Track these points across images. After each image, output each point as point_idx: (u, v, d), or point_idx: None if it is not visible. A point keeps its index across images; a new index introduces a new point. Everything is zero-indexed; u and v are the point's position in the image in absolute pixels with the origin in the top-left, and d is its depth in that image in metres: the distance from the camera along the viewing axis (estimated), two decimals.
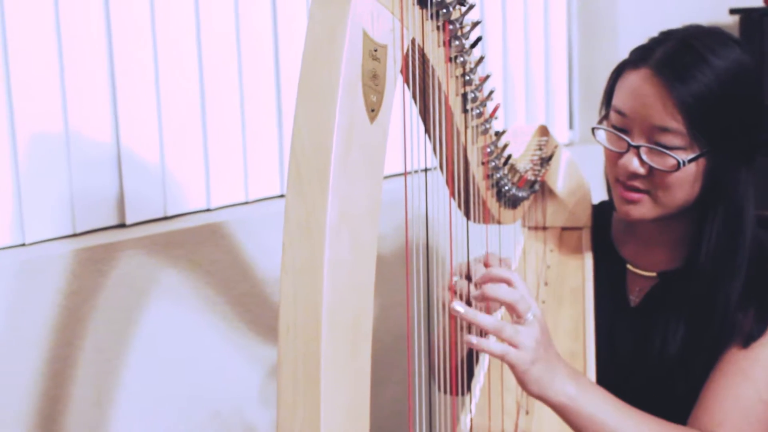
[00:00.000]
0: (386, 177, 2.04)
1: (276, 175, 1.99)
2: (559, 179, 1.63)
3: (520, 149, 1.47)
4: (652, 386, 1.41)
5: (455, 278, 1.29)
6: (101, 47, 1.69)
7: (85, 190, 1.72)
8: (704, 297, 1.38)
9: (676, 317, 1.41)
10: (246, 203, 1.95)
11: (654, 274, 1.48)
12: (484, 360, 1.50)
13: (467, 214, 1.27)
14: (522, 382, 1.18)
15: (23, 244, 1.65)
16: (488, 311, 1.24)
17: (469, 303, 1.22)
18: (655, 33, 2.61)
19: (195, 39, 1.82)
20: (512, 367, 1.16)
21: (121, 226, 1.78)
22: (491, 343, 1.14)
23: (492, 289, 1.14)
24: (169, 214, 1.83)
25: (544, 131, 1.59)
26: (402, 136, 1.00)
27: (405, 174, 1.02)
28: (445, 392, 1.43)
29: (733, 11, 3.04)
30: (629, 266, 1.51)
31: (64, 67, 1.64)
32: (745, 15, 3.02)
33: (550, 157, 1.55)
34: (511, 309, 1.15)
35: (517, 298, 1.14)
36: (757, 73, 1.41)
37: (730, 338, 1.35)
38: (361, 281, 0.89)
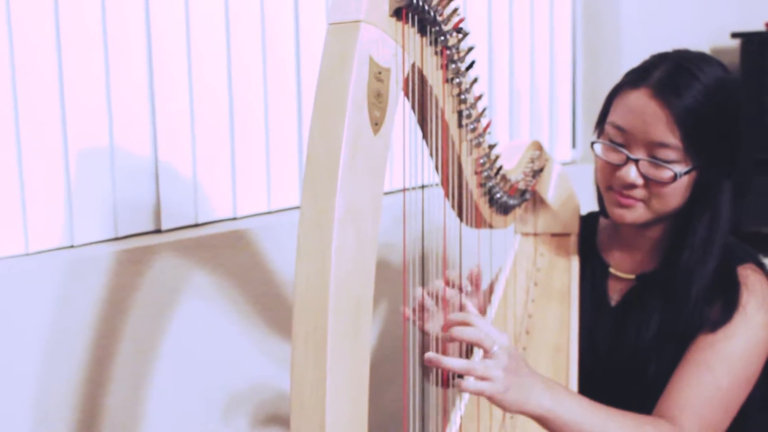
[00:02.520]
0: (390, 192, 2.10)
1: (295, 188, 2.02)
2: (550, 190, 1.68)
3: (513, 162, 1.51)
4: (627, 373, 1.45)
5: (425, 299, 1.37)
6: (142, 73, 1.73)
7: (126, 198, 1.76)
8: (677, 292, 1.43)
9: (650, 311, 1.46)
10: (268, 213, 1.98)
11: (633, 276, 1.53)
12: (474, 358, 1.53)
13: (461, 217, 1.32)
14: (501, 407, 1.21)
15: (72, 246, 1.69)
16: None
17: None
18: None
19: (225, 66, 1.86)
20: (489, 399, 1.19)
21: (157, 231, 1.81)
22: (469, 384, 1.16)
23: (458, 332, 1.17)
24: (200, 221, 1.87)
25: (537, 146, 1.64)
26: (403, 154, 1.09)
27: (404, 190, 1.11)
28: (439, 385, 1.51)
29: (734, 35, 3.00)
30: (611, 269, 1.56)
31: (110, 90, 1.69)
32: (747, 39, 2.99)
33: (541, 170, 1.60)
34: (478, 346, 1.18)
35: (481, 336, 1.17)
36: (738, 88, 1.47)
37: (699, 327, 1.39)
38: (363, 269, 0.96)
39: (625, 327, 1.48)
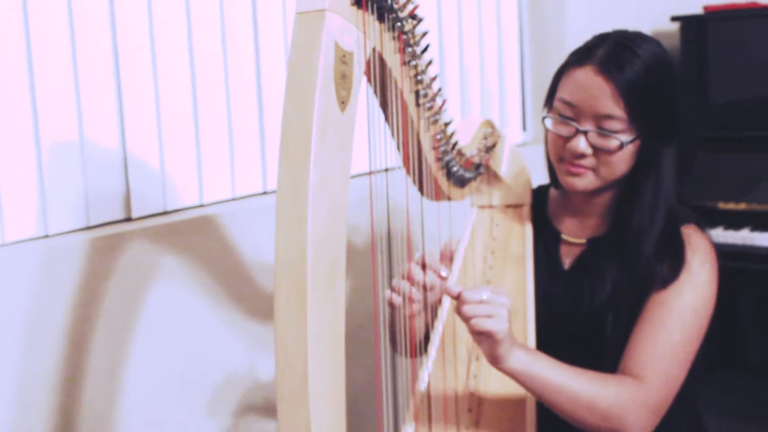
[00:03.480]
0: (355, 176, 2.21)
1: (258, 175, 2.11)
2: (503, 165, 1.79)
3: (468, 138, 1.62)
4: (585, 333, 1.56)
5: (395, 280, 1.48)
6: (109, 69, 1.82)
7: (97, 189, 1.83)
8: (629, 253, 1.54)
9: (603, 273, 1.56)
10: (233, 199, 2.07)
11: (583, 240, 1.64)
12: (438, 326, 1.64)
13: (422, 191, 1.43)
14: (491, 356, 1.34)
15: (47, 236, 1.76)
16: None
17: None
18: None
19: (188, 60, 1.95)
20: (490, 339, 1.32)
21: (128, 219, 1.89)
22: (483, 321, 1.31)
23: (474, 311, 1.32)
24: (168, 209, 1.95)
25: (489, 124, 1.74)
26: (368, 139, 1.21)
27: (370, 173, 1.23)
28: (406, 356, 1.62)
29: (674, 18, 3.09)
30: (563, 236, 1.67)
31: (78, 85, 1.77)
32: (685, 22, 3.07)
33: (493, 146, 1.72)
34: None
35: (493, 311, 1.31)
36: (672, 63, 1.58)
37: (651, 286, 1.51)
38: (336, 232, 1.07)
39: (580, 289, 1.59)
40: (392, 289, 1.51)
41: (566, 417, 1.44)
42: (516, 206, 1.81)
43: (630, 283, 1.54)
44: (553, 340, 1.54)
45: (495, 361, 1.36)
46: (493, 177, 1.80)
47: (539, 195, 1.80)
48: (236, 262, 1.99)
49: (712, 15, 3.08)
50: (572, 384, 1.40)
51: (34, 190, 1.74)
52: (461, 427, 1.48)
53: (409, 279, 1.49)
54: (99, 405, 1.80)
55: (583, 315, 1.57)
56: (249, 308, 2.01)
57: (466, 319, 1.32)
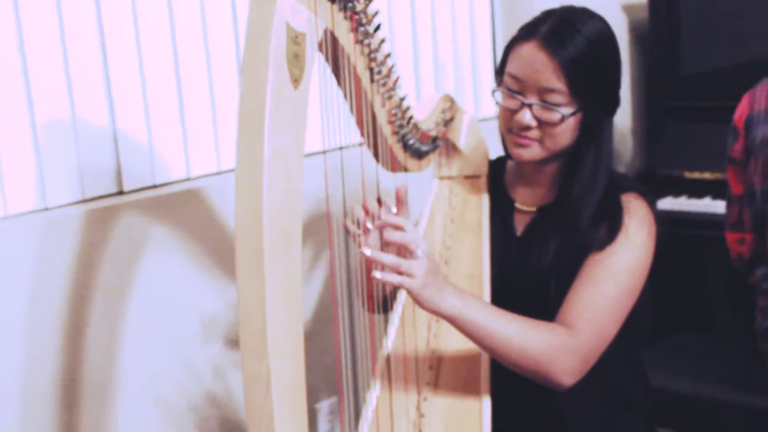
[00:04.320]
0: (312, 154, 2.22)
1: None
2: (462, 137, 1.80)
3: (426, 112, 1.63)
4: (532, 293, 1.56)
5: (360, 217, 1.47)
6: (96, 51, 1.85)
7: (90, 164, 1.87)
8: (570, 219, 1.55)
9: (549, 238, 1.57)
10: (218, 173, 2.09)
11: (534, 209, 1.65)
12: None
13: (380, 162, 1.45)
14: (418, 303, 1.34)
15: (46, 208, 1.81)
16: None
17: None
18: None
19: (170, 40, 1.98)
20: (408, 292, 1.32)
21: (120, 193, 1.93)
22: (392, 276, 1.30)
23: (389, 234, 1.31)
24: (157, 182, 1.98)
25: (447, 99, 1.74)
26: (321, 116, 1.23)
27: (324, 152, 1.26)
28: (370, 311, 1.65)
29: None
30: (516, 204, 1.68)
31: (68, 68, 1.81)
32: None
33: (451, 119, 1.73)
34: (405, 248, 1.31)
35: (408, 239, 1.29)
36: (615, 40, 1.58)
37: (590, 247, 1.51)
38: (291, 200, 1.09)
39: (529, 253, 1.60)
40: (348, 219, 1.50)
41: (501, 360, 1.45)
42: (474, 177, 1.82)
43: (571, 247, 1.55)
44: (505, 300, 1.53)
45: (423, 307, 1.36)
46: (452, 149, 1.81)
47: (498, 166, 1.80)
48: (220, 231, 2.02)
49: None
50: (504, 329, 1.41)
51: (32, 167, 1.79)
52: (422, 382, 1.52)
53: (364, 208, 1.49)
54: (98, 361, 1.85)
55: (530, 277, 1.59)
56: (232, 273, 2.01)
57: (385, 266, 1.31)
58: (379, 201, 1.49)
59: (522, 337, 1.42)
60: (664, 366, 2.29)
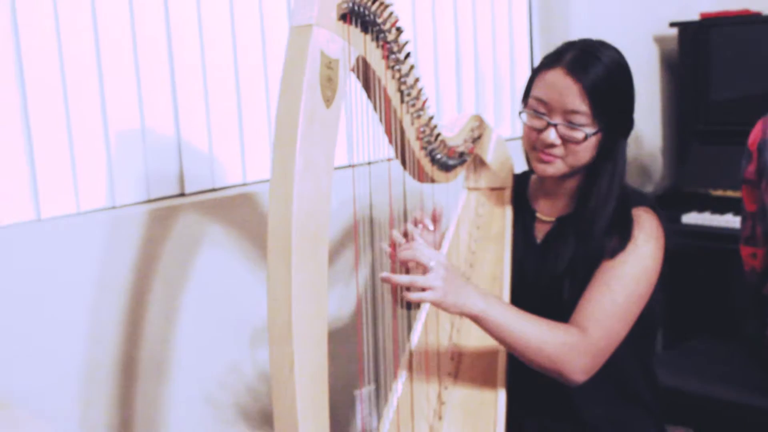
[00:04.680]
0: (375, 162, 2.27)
1: None
2: (489, 153, 1.84)
3: (456, 130, 1.68)
4: (549, 295, 1.60)
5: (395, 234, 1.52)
6: (165, 67, 1.91)
7: (156, 169, 1.92)
8: (585, 229, 1.59)
9: (565, 246, 1.61)
10: None
11: (553, 219, 1.69)
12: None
13: (406, 169, 1.50)
14: (444, 309, 1.39)
15: (114, 207, 1.86)
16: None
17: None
18: None
19: (232, 59, 2.03)
20: (432, 304, 1.37)
21: (181, 195, 1.97)
22: (414, 294, 1.35)
23: (403, 254, 1.38)
24: (216, 186, 2.03)
25: (477, 119, 1.79)
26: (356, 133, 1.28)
27: (354, 165, 1.31)
28: (402, 307, 1.70)
29: (672, 24, 3.06)
30: (537, 215, 1.72)
31: (140, 82, 1.87)
32: (683, 28, 3.05)
33: (479, 137, 1.77)
34: (417, 263, 1.37)
35: (416, 255, 1.36)
36: (628, 69, 1.63)
37: (602, 255, 1.55)
38: (319, 209, 1.14)
39: (546, 259, 1.64)
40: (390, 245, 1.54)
41: (519, 356, 1.48)
42: (499, 189, 1.86)
43: (585, 255, 1.58)
44: (523, 301, 1.57)
45: (449, 312, 1.40)
46: (480, 163, 1.85)
47: (522, 179, 1.84)
48: None
49: (707, 21, 3.04)
50: (524, 328, 1.45)
51: (104, 169, 1.84)
52: (444, 373, 1.56)
53: (405, 235, 1.54)
54: (154, 343, 1.90)
55: (547, 281, 1.62)
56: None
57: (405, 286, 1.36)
58: (415, 222, 1.55)
59: (540, 336, 1.46)
60: (686, 369, 2.30)
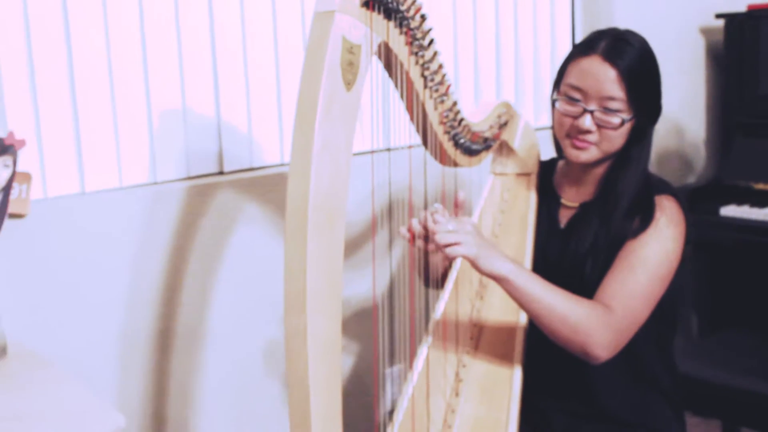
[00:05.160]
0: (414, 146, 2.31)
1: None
2: (516, 139, 1.87)
3: (482, 116, 1.72)
4: (571, 275, 1.62)
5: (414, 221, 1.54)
6: (207, 52, 1.97)
7: (196, 148, 1.99)
8: (608, 209, 1.62)
9: (588, 229, 1.64)
10: None
11: (577, 204, 1.72)
12: (455, 265, 1.77)
13: (435, 157, 1.55)
14: (474, 265, 1.42)
15: (156, 183, 1.93)
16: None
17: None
18: (647, 36, 2.68)
19: (273, 47, 2.09)
20: (465, 257, 1.41)
21: (220, 173, 2.04)
22: (449, 249, 1.40)
23: (432, 226, 1.43)
24: (254, 165, 2.09)
25: (505, 105, 1.82)
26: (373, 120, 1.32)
27: (371, 151, 1.36)
28: (427, 287, 1.74)
29: (719, 16, 3.01)
30: (562, 201, 1.75)
31: (182, 66, 1.93)
32: (729, 19, 3.01)
33: (506, 123, 1.80)
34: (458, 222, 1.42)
35: (445, 221, 1.42)
36: (654, 55, 1.65)
37: (624, 236, 1.58)
38: (337, 187, 1.18)
39: (569, 243, 1.68)
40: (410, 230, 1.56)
41: (543, 326, 1.50)
42: (525, 174, 1.89)
43: (607, 236, 1.61)
44: (545, 277, 1.57)
45: (479, 269, 1.43)
46: (507, 149, 1.88)
47: (548, 166, 1.87)
48: None
49: (755, 13, 2.98)
50: (550, 297, 1.47)
51: (147, 147, 1.92)
52: (462, 351, 1.61)
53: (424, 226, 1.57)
54: (190, 313, 1.98)
55: (569, 262, 1.65)
56: None
57: (441, 248, 1.41)
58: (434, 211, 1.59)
59: (565, 306, 1.49)
60: (715, 359, 2.32)
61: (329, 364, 1.22)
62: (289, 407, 1.20)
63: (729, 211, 2.79)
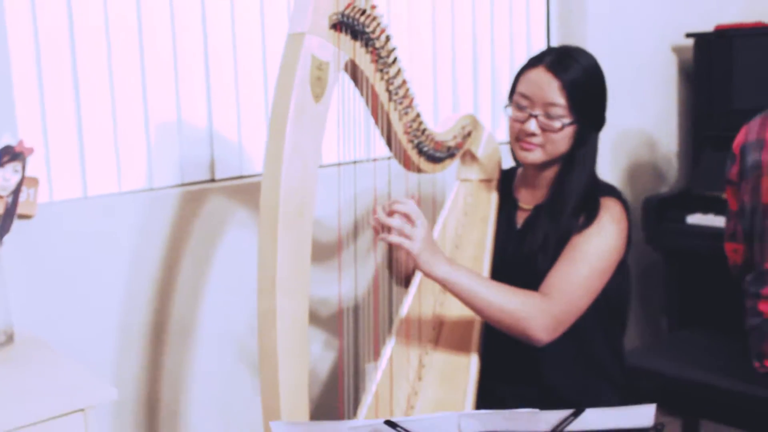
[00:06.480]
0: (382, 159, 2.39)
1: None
2: (480, 148, 2.03)
3: (447, 127, 1.87)
4: (525, 271, 1.75)
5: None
6: (200, 67, 2.12)
7: (190, 156, 2.12)
8: (557, 208, 1.76)
9: (539, 228, 1.78)
10: None
11: (532, 206, 1.87)
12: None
13: (402, 164, 1.70)
14: (416, 264, 1.55)
15: (152, 189, 2.06)
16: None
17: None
18: (622, 55, 2.74)
19: (262, 64, 2.23)
20: (408, 253, 1.53)
21: (212, 180, 2.16)
22: (396, 238, 1.52)
23: (397, 206, 1.54)
24: (244, 173, 2.21)
25: (469, 117, 1.97)
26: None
27: (338, 164, 1.53)
28: (399, 285, 1.89)
29: (688, 35, 3.16)
30: (519, 204, 1.90)
31: (178, 81, 2.08)
32: (699, 38, 3.16)
33: (469, 134, 1.95)
34: (407, 218, 1.53)
35: (409, 209, 1.53)
36: (602, 72, 1.80)
37: (570, 232, 1.72)
38: (306, 186, 1.33)
39: (524, 241, 1.82)
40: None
41: (486, 319, 1.64)
42: (487, 181, 2.04)
43: (556, 232, 1.75)
44: (503, 279, 1.72)
45: (420, 268, 1.56)
46: (471, 158, 2.04)
47: (509, 173, 2.02)
48: None
49: (723, 32, 3.13)
50: (486, 292, 1.61)
51: (144, 155, 2.07)
52: (425, 340, 1.75)
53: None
54: (183, 309, 2.11)
55: (523, 259, 1.79)
56: None
57: (390, 229, 1.53)
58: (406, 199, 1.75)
59: (501, 298, 1.62)
60: (669, 355, 2.43)
61: (296, 341, 1.36)
62: (261, 378, 1.35)
63: (695, 219, 2.95)
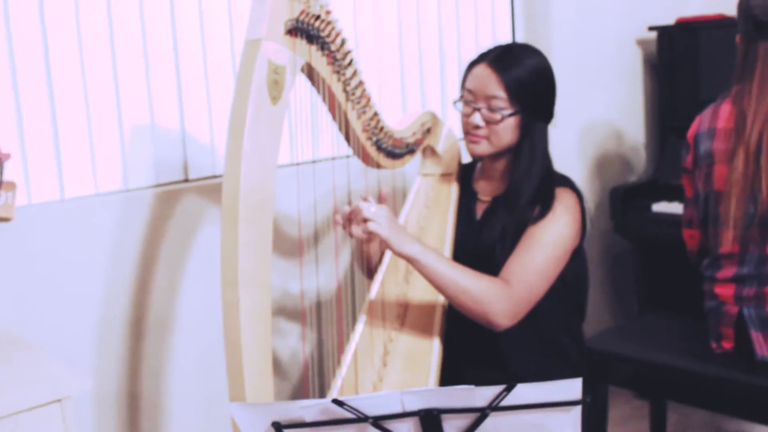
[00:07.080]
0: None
1: (287, 149, 2.24)
2: (440, 144, 2.11)
3: (406, 124, 1.95)
4: (484, 260, 1.83)
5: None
6: (172, 71, 2.18)
7: (163, 157, 2.18)
8: (512, 199, 1.84)
9: (497, 218, 1.87)
10: None
11: (490, 198, 1.95)
12: (385, 257, 1.98)
13: (360, 159, 1.78)
14: (388, 245, 1.64)
15: (128, 190, 2.12)
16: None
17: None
18: (587, 49, 2.76)
19: (231, 65, 2.29)
20: (377, 235, 1.62)
21: (185, 180, 2.22)
22: (370, 225, 1.62)
23: (351, 207, 1.66)
24: (216, 173, 2.27)
25: (429, 114, 2.05)
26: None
27: (294, 164, 1.59)
28: (368, 278, 1.97)
29: (651, 28, 3.25)
30: (478, 196, 1.98)
31: (150, 85, 2.14)
32: (661, 31, 3.24)
33: (428, 130, 2.03)
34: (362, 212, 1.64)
35: (362, 207, 1.64)
36: (546, 65, 1.88)
37: (526, 223, 1.80)
38: (265, 183, 1.41)
39: (483, 231, 1.90)
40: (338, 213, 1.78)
41: (449, 299, 1.72)
42: (448, 174, 2.13)
43: (513, 223, 1.83)
44: (462, 261, 1.79)
45: (391, 248, 1.65)
46: (432, 153, 2.13)
47: (469, 167, 2.11)
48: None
49: (684, 25, 3.22)
50: (453, 273, 1.69)
51: (119, 157, 2.13)
52: (390, 327, 1.83)
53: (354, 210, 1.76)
54: (160, 305, 2.18)
55: (482, 249, 1.88)
56: (277, 248, 2.31)
57: (360, 223, 1.64)
58: (365, 199, 1.83)
59: (467, 281, 1.71)
60: (651, 339, 2.48)
61: (259, 330, 1.44)
62: (226, 367, 1.42)
63: (660, 207, 3.04)
